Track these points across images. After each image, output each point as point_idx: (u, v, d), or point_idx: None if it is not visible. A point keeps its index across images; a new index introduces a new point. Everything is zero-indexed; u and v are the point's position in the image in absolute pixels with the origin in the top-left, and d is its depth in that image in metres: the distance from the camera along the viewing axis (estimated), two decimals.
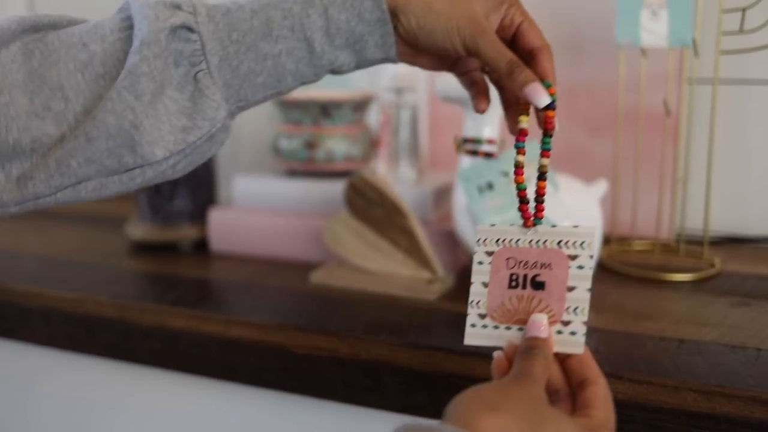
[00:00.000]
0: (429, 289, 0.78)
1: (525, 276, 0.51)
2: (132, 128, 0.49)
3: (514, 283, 0.51)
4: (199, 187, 0.98)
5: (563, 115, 1.03)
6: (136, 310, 0.78)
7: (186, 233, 0.97)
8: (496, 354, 0.50)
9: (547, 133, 0.52)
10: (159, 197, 0.97)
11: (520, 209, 0.53)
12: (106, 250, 0.99)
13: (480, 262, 0.53)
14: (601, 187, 0.83)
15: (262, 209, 0.94)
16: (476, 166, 0.79)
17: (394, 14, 0.52)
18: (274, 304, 0.79)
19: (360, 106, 0.92)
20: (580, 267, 0.50)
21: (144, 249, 0.99)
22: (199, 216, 0.98)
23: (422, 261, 0.81)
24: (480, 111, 0.59)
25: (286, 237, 0.91)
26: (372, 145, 0.94)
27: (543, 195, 0.53)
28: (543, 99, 0.52)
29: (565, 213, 0.77)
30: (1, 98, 0.48)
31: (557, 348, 0.49)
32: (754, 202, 0.99)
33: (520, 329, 0.50)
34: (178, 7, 0.51)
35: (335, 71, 0.55)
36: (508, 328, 0.51)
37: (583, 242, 0.50)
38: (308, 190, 0.91)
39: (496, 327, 0.51)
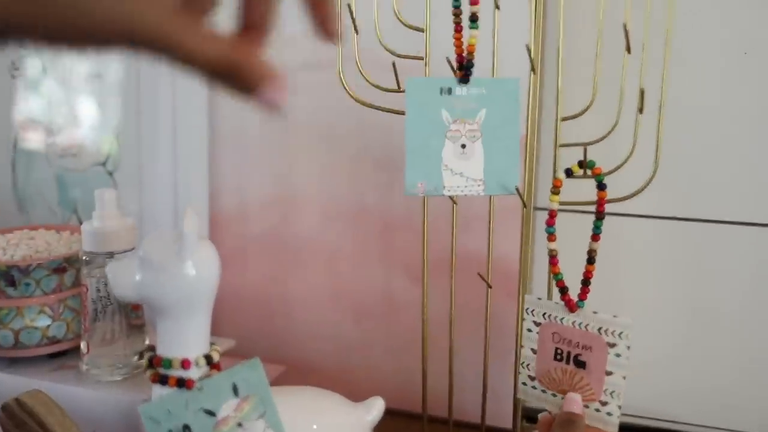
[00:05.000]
0: None
1: (569, 353, 0.54)
2: None
3: (559, 357, 0.55)
4: None
5: (376, 254, 0.77)
6: None
7: None
8: (542, 414, 0.55)
9: (598, 215, 0.54)
10: None
11: (563, 299, 0.55)
12: None
13: (529, 330, 0.56)
14: (373, 409, 0.57)
15: None
16: (167, 400, 0.52)
17: None
18: None
19: (65, 267, 0.66)
20: (618, 355, 0.52)
21: None
22: None
23: None
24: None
25: None
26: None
27: (590, 279, 0.54)
28: None
29: None
30: None
31: (595, 424, 0.53)
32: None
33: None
34: None
35: None
36: (554, 395, 0.55)
37: (621, 332, 0.52)
38: None
39: (543, 391, 0.56)
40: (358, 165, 0.76)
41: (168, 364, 0.52)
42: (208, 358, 0.53)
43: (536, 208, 0.72)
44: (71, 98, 0.84)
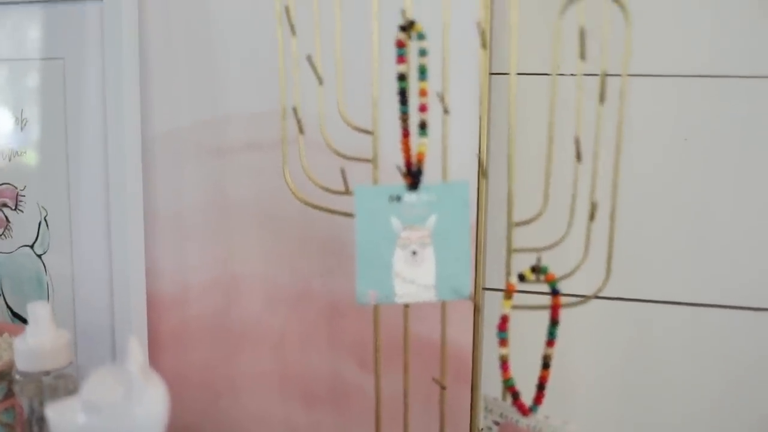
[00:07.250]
0: None
1: None
2: None
3: None
4: None
5: (324, 338, 0.76)
6: None
7: None
8: None
9: (552, 321, 0.54)
10: None
11: (515, 404, 0.54)
12: None
13: (489, 428, 0.57)
14: None
15: None
16: None
17: None
18: None
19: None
20: None
21: None
22: None
23: None
24: None
25: None
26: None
27: (545, 383, 0.54)
28: None
29: None
30: None
31: None
32: None
33: None
34: None
35: None
36: None
37: None
38: None
39: None
40: (304, 247, 0.74)
41: None
42: None
43: (485, 289, 0.72)
44: None
